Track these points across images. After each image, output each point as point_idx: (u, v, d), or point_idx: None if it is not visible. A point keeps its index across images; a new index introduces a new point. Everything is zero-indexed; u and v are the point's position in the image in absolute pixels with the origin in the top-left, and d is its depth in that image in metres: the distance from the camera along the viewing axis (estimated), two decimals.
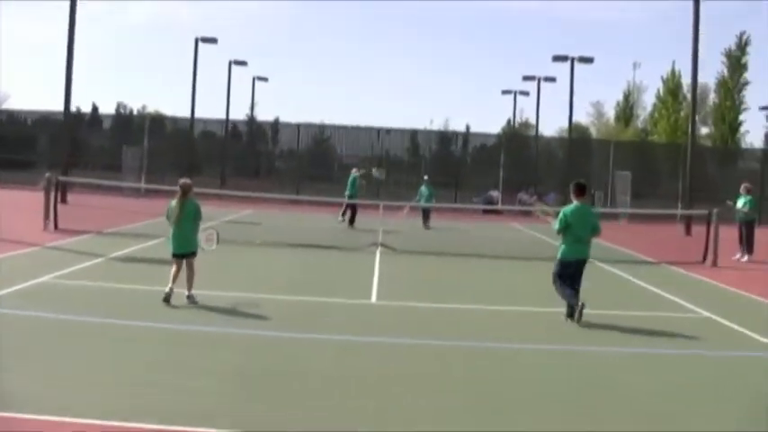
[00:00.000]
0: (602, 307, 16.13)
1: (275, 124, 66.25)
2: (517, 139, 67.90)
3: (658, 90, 77.63)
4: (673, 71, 75.54)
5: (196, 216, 14.72)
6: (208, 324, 12.85)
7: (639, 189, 50.56)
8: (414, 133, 62.65)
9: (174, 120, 62.54)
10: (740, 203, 26.40)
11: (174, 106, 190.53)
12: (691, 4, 37.81)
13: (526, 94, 65.21)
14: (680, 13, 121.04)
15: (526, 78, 61.98)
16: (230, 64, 61.98)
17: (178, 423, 8.00)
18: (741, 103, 74.51)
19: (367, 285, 17.53)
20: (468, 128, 70.79)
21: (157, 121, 64.37)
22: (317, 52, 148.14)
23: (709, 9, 74.88)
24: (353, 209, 31.95)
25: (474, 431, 8.36)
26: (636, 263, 25.03)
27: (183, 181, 14.96)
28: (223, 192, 43.63)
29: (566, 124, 56.56)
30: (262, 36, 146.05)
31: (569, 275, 14.54)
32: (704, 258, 24.67)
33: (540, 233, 34.00)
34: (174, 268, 14.44)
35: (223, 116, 61.00)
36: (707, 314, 15.94)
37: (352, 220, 32.03)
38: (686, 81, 74.25)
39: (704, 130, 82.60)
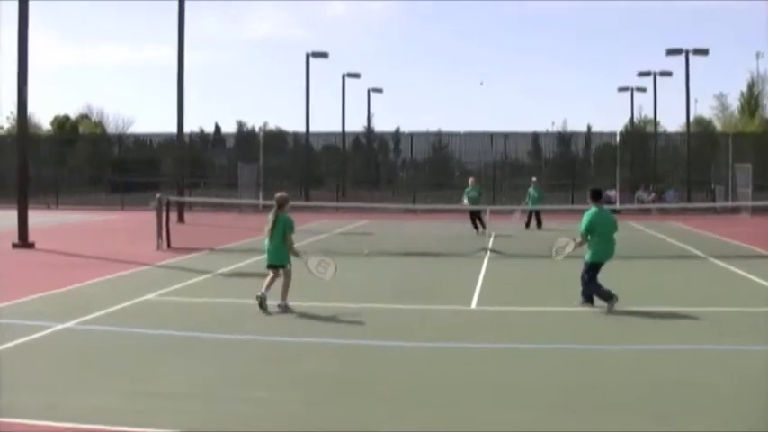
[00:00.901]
0: (717, 303, 15.98)
1: (396, 134, 66.49)
2: (636, 136, 66.72)
3: None
4: None
5: (286, 229, 14.90)
6: (300, 335, 12.89)
7: (764, 182, 49.14)
8: (535, 136, 62.14)
9: (295, 135, 63.17)
10: None
11: (295, 122, 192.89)
12: None
13: (643, 90, 64.24)
14: None
15: (642, 74, 61.09)
16: (344, 77, 62.54)
17: None
18: None
19: (469, 291, 17.34)
20: (589, 128, 69.85)
21: (276, 136, 65.28)
22: (429, 60, 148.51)
23: None
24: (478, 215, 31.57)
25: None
26: (755, 257, 24.27)
27: (278, 194, 15.39)
28: (338, 204, 44.03)
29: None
30: (374, 47, 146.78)
31: (596, 275, 15.11)
32: None
33: (657, 232, 33.39)
34: (269, 276, 14.94)
35: (340, 129, 61.63)
36: None
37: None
38: None
39: None
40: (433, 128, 73.75)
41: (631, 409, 8.94)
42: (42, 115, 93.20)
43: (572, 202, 48.72)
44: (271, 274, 14.95)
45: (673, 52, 54.33)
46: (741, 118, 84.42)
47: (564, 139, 63.87)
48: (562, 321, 14.26)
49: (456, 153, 60.75)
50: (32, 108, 79.37)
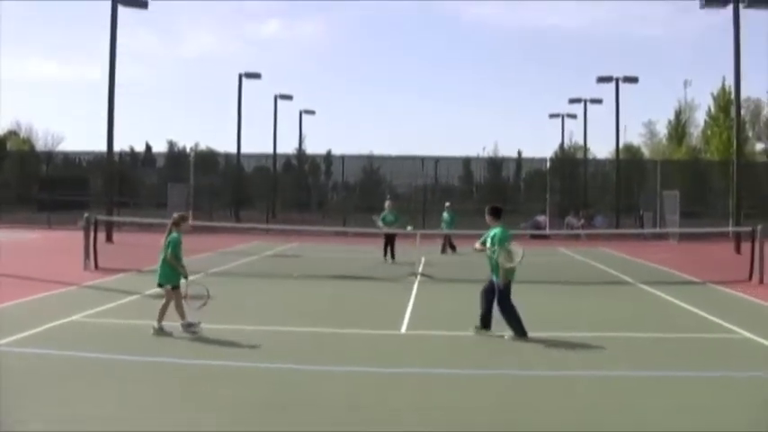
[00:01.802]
0: (644, 330, 16.09)
1: (327, 157, 66.46)
2: (566, 162, 67.40)
3: (709, 107, 76.81)
4: (723, 87, 74.60)
5: (169, 247, 14.78)
6: (228, 358, 12.73)
7: (691, 208, 49.87)
8: (466, 161, 62.45)
9: (225, 156, 62.89)
10: None
11: (226, 142, 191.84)
12: (741, 20, 37.21)
13: (573, 116, 64.99)
14: (729, 27, 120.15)
15: (573, 101, 61.78)
16: (276, 98, 62.40)
17: None
18: None
19: (399, 315, 17.25)
20: (519, 153, 70.38)
21: (207, 157, 64.84)
22: (363, 83, 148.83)
23: (759, 22, 73.99)
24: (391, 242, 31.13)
25: None
26: (679, 283, 24.53)
27: (175, 214, 15.55)
28: (268, 226, 43.89)
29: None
30: (307, 69, 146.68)
31: (491, 291, 14.89)
32: (750, 276, 24.15)
33: (587, 257, 33.64)
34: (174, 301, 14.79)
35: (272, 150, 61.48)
36: (747, 335, 15.50)
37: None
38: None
39: (759, 146, 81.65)
40: (365, 150, 73.94)
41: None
42: None
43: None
44: (175, 299, 14.78)
45: (603, 80, 55.10)
46: (669, 145, 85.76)
47: (495, 163, 64.31)
48: (494, 346, 14.19)
49: (387, 176, 60.87)
50: None
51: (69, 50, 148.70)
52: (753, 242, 24.79)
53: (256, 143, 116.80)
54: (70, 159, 65.52)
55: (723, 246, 39.00)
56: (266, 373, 11.88)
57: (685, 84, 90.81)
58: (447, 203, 36.47)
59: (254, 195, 62.29)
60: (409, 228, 30.75)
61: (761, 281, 23.69)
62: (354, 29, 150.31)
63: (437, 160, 56.66)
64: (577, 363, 12.97)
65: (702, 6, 37.08)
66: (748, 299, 20.79)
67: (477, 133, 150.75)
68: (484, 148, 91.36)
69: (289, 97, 62.65)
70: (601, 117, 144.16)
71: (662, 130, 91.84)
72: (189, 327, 14.46)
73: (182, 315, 14.56)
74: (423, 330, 15.26)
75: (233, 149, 58.14)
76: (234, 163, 59.68)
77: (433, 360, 13.01)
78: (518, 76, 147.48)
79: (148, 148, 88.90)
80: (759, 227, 24.54)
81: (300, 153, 70.78)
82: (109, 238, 36.25)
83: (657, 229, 47.32)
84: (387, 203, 31.77)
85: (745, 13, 37.43)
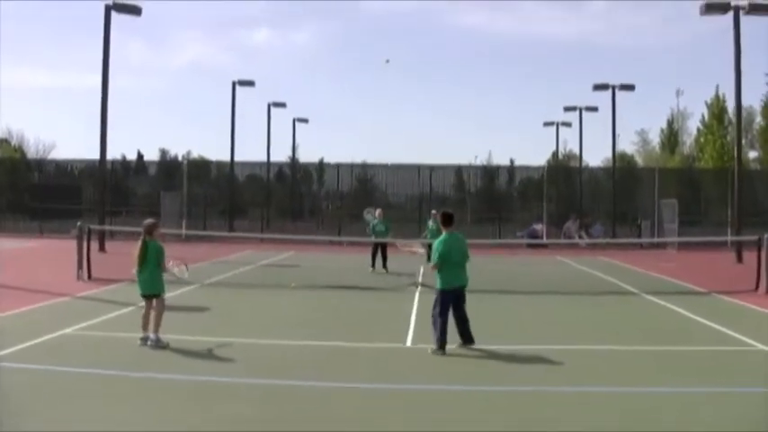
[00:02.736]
0: (652, 342, 15.62)
1: (320, 165, 66.03)
2: (561, 170, 67.06)
3: (703, 115, 76.58)
4: (717, 95, 74.42)
5: (158, 257, 14.49)
6: (221, 374, 12.27)
7: (687, 216, 49.53)
8: (458, 169, 62.01)
9: (218, 164, 62.45)
10: None
11: (219, 151, 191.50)
12: (731, 27, 36.85)
13: (568, 125, 64.72)
14: (721, 36, 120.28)
15: (568, 109, 61.53)
16: (269, 106, 61.95)
17: None
18: None
19: (403, 328, 16.79)
20: (512, 162, 70.07)
21: (199, 165, 64.34)
22: (356, 91, 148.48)
23: (751, 30, 73.75)
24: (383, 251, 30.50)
25: None
26: (685, 293, 24.07)
27: (146, 221, 14.98)
28: (264, 235, 43.47)
29: (611, 154, 55.88)
30: (300, 77, 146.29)
31: (452, 305, 14.37)
32: (756, 286, 23.70)
33: (588, 267, 33.20)
34: (143, 311, 14.48)
35: (265, 159, 61.00)
36: (762, 347, 15.05)
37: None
38: (731, 105, 73.17)
39: (752, 154, 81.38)
40: (358, 159, 73.51)
41: None
42: None
43: (499, 236, 48.55)
44: (145, 308, 14.45)
45: (600, 87, 54.69)
46: (662, 154, 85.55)
47: (489, 172, 63.89)
48: (504, 360, 13.68)
49: (381, 185, 60.42)
50: None
51: (60, 59, 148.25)
52: (759, 251, 24.32)
53: (248, 151, 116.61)
54: (61, 167, 64.90)
55: (723, 255, 38.62)
56: (267, 389, 11.38)
57: (677, 93, 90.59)
58: (433, 212, 35.89)
59: (246, 204, 61.78)
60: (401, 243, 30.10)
61: None
62: (346, 37, 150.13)
63: (432, 169, 56.23)
64: (599, 377, 12.52)
65: (703, 13, 36.66)
66: (758, 309, 20.33)
67: (470, 142, 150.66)
68: (476, 157, 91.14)
69: (282, 105, 62.16)
70: (593, 125, 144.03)
71: (655, 138, 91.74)
72: (159, 341, 14.06)
73: (159, 326, 14.25)
74: (429, 344, 14.61)
75: (225, 157, 57.73)
76: (226, 171, 59.26)
77: (443, 376, 12.53)
78: (509, 85, 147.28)
79: (140, 156, 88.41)
80: (766, 235, 24.06)
81: (294, 162, 70.27)
82: (102, 248, 35.67)
83: (659, 239, 46.82)
84: (378, 211, 30.77)
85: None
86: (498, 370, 13.02)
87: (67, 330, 15.58)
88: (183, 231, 41.62)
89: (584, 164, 64.70)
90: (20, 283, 23.28)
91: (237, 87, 56.11)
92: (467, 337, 14.41)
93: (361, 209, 48.45)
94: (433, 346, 14.11)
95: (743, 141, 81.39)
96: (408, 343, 15.30)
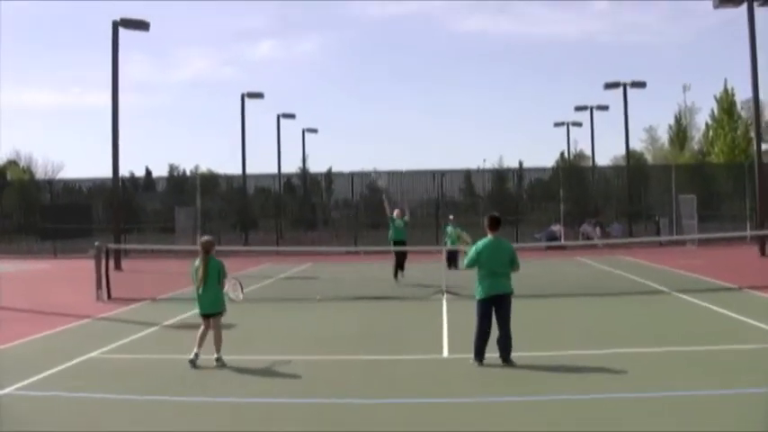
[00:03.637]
0: (697, 343, 15.20)
1: (328, 175, 65.67)
2: (573, 170, 66.58)
3: (712, 110, 75.89)
4: (725, 89, 73.84)
5: (220, 274, 14.26)
6: (269, 394, 11.77)
7: (703, 212, 48.98)
8: (468, 174, 61.60)
9: (227, 178, 62.19)
10: None
11: (226, 164, 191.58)
12: (738, 19, 36.42)
13: (579, 124, 64.47)
14: (727, 29, 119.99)
15: (579, 109, 61.11)
16: (278, 118, 61.61)
17: None
18: None
19: (437, 338, 16.33)
20: (520, 164, 69.58)
21: (210, 179, 63.97)
22: (363, 99, 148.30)
23: (760, 24, 73.04)
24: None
25: None
26: (716, 290, 23.56)
27: (204, 239, 14.66)
28: (285, 248, 43.28)
29: (619, 152, 55.85)
30: (308, 88, 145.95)
31: (492, 316, 13.69)
32: None
33: (611, 267, 32.71)
34: (200, 330, 14.01)
35: (275, 170, 60.65)
36: None
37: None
38: (740, 98, 72.71)
39: (764, 146, 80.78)
40: (368, 167, 73.11)
41: None
42: None
43: (516, 239, 48.00)
44: (202, 327, 14.01)
45: (611, 86, 54.32)
46: (671, 150, 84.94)
47: (500, 175, 63.50)
48: (548, 368, 13.13)
49: (393, 192, 60.02)
50: None
51: (65, 78, 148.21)
52: None
53: (256, 163, 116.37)
54: (70, 187, 64.63)
55: (744, 249, 38.19)
56: (315, 409, 10.90)
57: (684, 88, 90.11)
58: (450, 217, 35.41)
59: (257, 216, 61.45)
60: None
61: None
62: (351, 45, 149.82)
63: (443, 174, 55.84)
64: (649, 381, 11.93)
65: (716, 6, 36.24)
66: None
67: (479, 145, 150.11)
68: (484, 160, 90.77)
69: (291, 116, 61.84)
70: (601, 124, 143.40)
71: (663, 135, 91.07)
72: (221, 361, 13.77)
73: (220, 346, 14.01)
74: (466, 354, 14.03)
75: (233, 170, 57.43)
76: (236, 184, 59.02)
77: (487, 386, 12.07)
78: (517, 87, 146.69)
79: (148, 172, 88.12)
80: None
81: (304, 172, 69.90)
82: (117, 266, 35.23)
83: (678, 236, 46.21)
84: (395, 212, 29.16)
85: (744, 13, 36.56)
86: (543, 378, 12.47)
87: (93, 354, 15.12)
88: (198, 247, 41.17)
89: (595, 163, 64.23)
90: (38, 306, 22.92)
91: (246, 100, 55.82)
92: (506, 357, 13.54)
93: (373, 217, 47.93)
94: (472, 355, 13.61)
95: (752, 134, 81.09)
96: (445, 353, 14.84)
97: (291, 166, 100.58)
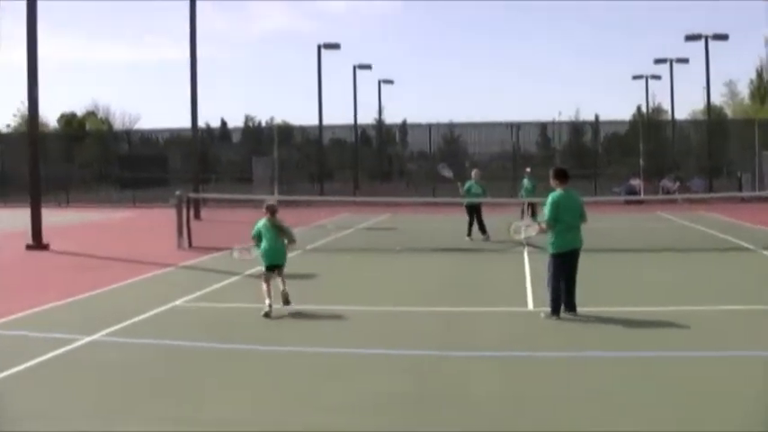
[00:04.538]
0: None
1: (403, 126, 65.48)
2: (651, 124, 65.56)
3: None
4: None
5: (286, 231, 14.91)
6: (356, 345, 11.75)
7: None
8: (543, 126, 61.03)
9: (302, 129, 62.29)
10: None
11: (301, 115, 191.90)
12: None
13: (658, 77, 63.37)
14: None
15: (658, 61, 59.97)
16: (354, 69, 61.37)
17: None
18: None
19: (520, 291, 16.17)
20: (596, 117, 68.65)
21: (286, 131, 64.07)
22: (440, 50, 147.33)
23: None
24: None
25: None
26: None
27: (270, 203, 15.41)
28: (364, 198, 43.54)
29: (697, 106, 54.63)
30: (384, 39, 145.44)
31: (566, 269, 13.42)
32: None
33: (692, 222, 32.15)
34: (266, 283, 14.29)
35: (350, 122, 60.51)
36: None
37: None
38: None
39: None
40: (444, 119, 72.84)
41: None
42: (49, 112, 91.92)
43: (595, 193, 47.39)
44: (267, 280, 14.32)
45: (691, 38, 53.15)
46: (752, 105, 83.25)
47: (576, 128, 62.82)
48: (633, 324, 12.89)
49: (467, 144, 59.72)
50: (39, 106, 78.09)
51: (142, 31, 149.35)
52: None
53: (331, 115, 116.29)
54: (147, 137, 65.36)
55: None
56: (403, 360, 10.82)
57: (766, 41, 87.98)
58: (527, 169, 35.00)
59: (333, 167, 61.52)
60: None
61: None
62: None
63: (518, 126, 55.37)
64: (733, 340, 11.68)
65: None
66: None
67: (555, 98, 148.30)
68: (560, 113, 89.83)
69: (368, 67, 61.52)
70: (679, 77, 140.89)
71: (743, 89, 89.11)
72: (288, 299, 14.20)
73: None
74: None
75: (307, 122, 57.44)
76: (310, 136, 59.13)
77: (575, 341, 11.85)
78: (600, 40, 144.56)
79: (223, 123, 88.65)
80: None
81: (380, 123, 69.75)
82: (197, 215, 35.41)
83: (766, 192, 45.06)
84: (473, 172, 28.52)
85: None
86: (628, 334, 12.26)
87: (178, 302, 15.20)
88: (277, 197, 41.29)
89: (671, 117, 63.22)
90: (121, 254, 23.14)
91: (322, 51, 55.72)
92: (571, 305, 13.47)
93: (454, 168, 47.51)
94: (547, 309, 13.45)
95: None
96: (530, 306, 14.67)
97: (367, 117, 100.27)
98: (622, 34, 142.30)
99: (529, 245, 22.68)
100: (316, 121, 56.97)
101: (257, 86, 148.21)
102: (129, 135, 66.43)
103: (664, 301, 14.93)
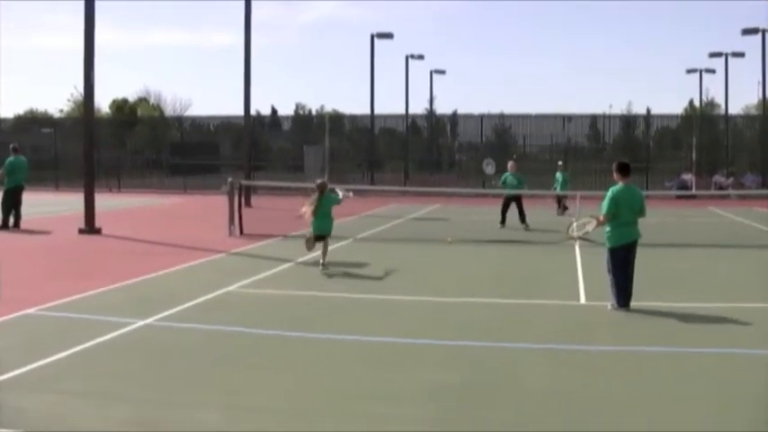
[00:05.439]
0: None
1: (454, 117, 65.34)
2: (706, 119, 64.84)
3: None
4: None
5: (332, 203, 18.30)
6: (411, 335, 11.64)
7: None
8: (594, 119, 60.58)
9: (353, 117, 62.35)
10: None
11: (352, 104, 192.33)
12: None
13: (712, 71, 62.65)
14: None
15: (713, 55, 59.36)
16: (407, 58, 61.36)
17: None
18: None
19: (572, 284, 16.07)
20: (648, 110, 67.99)
21: (336, 119, 64.17)
22: (492, 41, 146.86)
23: None
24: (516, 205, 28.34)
25: None
26: None
27: (320, 181, 18.46)
28: (415, 189, 43.81)
29: (751, 101, 53.80)
30: (437, 29, 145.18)
31: (623, 263, 13.39)
32: None
33: (748, 219, 31.78)
34: (313, 246, 18.02)
35: (401, 111, 60.52)
36: None
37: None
38: None
39: None
40: (494, 110, 72.58)
41: None
42: (101, 98, 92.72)
43: (646, 187, 46.99)
44: (314, 244, 18.03)
45: (748, 32, 52.58)
46: None
47: (628, 121, 62.28)
48: (694, 319, 12.70)
49: (519, 136, 59.43)
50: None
51: (195, 17, 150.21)
52: None
53: (382, 104, 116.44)
54: (198, 124, 65.64)
55: None
56: (457, 352, 10.74)
57: None
58: (560, 163, 35.03)
59: (382, 157, 61.54)
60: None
61: None
62: None
63: (569, 118, 55.06)
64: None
65: None
66: None
67: (606, 91, 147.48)
68: (611, 106, 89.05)
69: (420, 57, 61.49)
70: (734, 71, 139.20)
71: None
72: (326, 267, 17.55)
73: (326, 256, 17.92)
74: (603, 301, 13.71)
75: (357, 111, 57.37)
76: (360, 125, 59.16)
77: (629, 336, 11.76)
78: (647, 33, 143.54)
79: (274, 111, 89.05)
80: None
81: (431, 113, 69.66)
82: (248, 203, 35.56)
83: None
84: (509, 164, 28.55)
85: None
86: (684, 330, 12.11)
87: (230, 288, 15.26)
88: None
89: (724, 112, 62.55)
90: (172, 239, 23.25)
91: (375, 40, 55.74)
92: (627, 303, 13.37)
93: (498, 160, 47.30)
94: (612, 302, 13.37)
95: None
96: (582, 300, 14.58)
97: (417, 107, 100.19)
98: (677, 27, 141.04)
99: (582, 239, 22.56)
100: (365, 110, 57.07)
101: (308, 74, 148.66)
102: (180, 121, 66.79)
103: (719, 297, 14.77)
